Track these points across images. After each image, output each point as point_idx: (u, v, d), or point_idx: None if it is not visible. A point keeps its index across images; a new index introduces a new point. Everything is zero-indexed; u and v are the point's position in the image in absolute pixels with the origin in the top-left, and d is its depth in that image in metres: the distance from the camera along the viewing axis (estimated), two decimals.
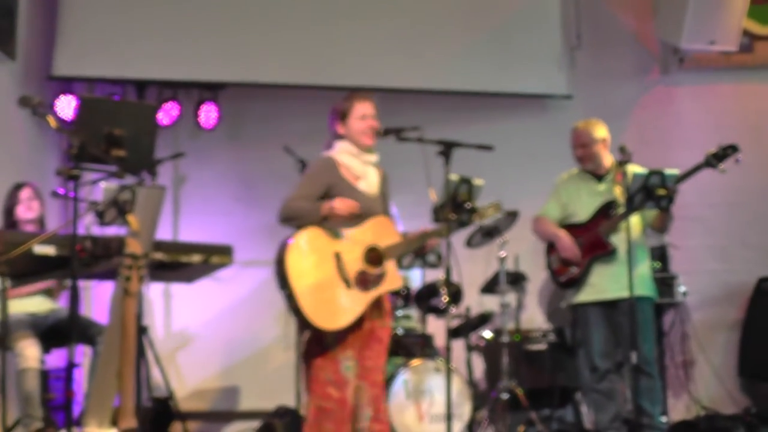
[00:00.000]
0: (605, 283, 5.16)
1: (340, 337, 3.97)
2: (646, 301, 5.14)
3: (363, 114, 4.11)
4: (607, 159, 5.31)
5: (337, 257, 3.93)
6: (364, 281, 3.96)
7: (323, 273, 3.90)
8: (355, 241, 3.97)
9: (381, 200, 4.24)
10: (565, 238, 5.24)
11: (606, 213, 5.21)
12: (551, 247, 5.39)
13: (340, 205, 3.94)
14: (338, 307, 3.89)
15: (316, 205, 3.96)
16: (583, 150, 5.29)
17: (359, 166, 4.13)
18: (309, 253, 3.91)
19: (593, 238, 5.21)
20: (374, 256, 3.96)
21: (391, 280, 4.07)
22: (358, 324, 4.00)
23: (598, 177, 5.34)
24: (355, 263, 3.94)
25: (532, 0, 6.75)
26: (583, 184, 5.39)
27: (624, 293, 4.84)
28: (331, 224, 3.96)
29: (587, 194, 5.34)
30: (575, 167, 5.46)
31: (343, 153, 4.12)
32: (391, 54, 6.50)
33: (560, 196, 5.44)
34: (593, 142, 5.27)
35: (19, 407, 4.88)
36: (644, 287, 5.13)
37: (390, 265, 4.05)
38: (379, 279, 4.00)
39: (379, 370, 4.14)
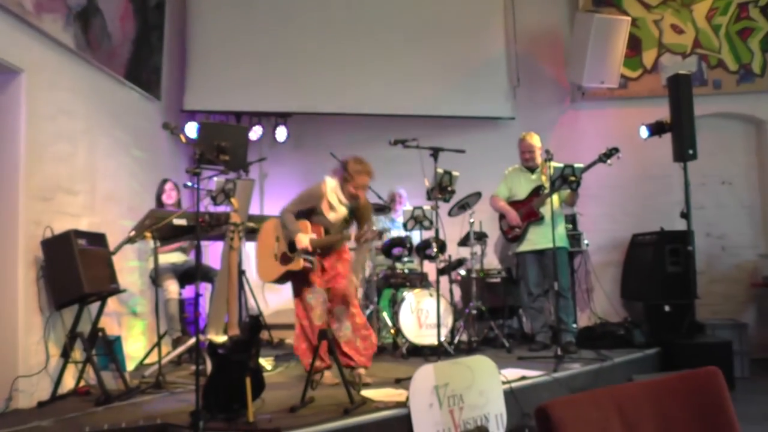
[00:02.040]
0: (537, 239, 5.11)
1: (306, 280, 3.97)
2: (563, 250, 5.08)
3: (358, 185, 3.97)
4: (539, 158, 5.22)
5: (277, 240, 4.03)
6: (284, 259, 3.97)
7: (268, 248, 4.07)
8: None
9: (341, 224, 4.08)
10: (511, 213, 5.19)
11: (537, 193, 5.15)
12: (502, 216, 5.32)
13: (304, 244, 3.85)
14: (269, 269, 4.03)
15: (297, 229, 3.88)
16: (529, 153, 5.26)
17: (336, 204, 4.03)
18: (267, 236, 4.10)
19: (529, 209, 5.15)
20: (293, 247, 3.95)
21: (295, 264, 3.93)
22: (324, 270, 4.05)
23: (532, 170, 5.27)
24: (283, 247, 4.00)
25: (489, 58, 6.65)
26: (522, 174, 5.32)
27: (549, 245, 4.79)
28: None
29: (525, 181, 5.27)
30: (516, 164, 5.39)
31: (331, 192, 4.02)
32: (401, 92, 6.44)
33: (507, 182, 5.36)
34: (535, 148, 5.24)
35: (166, 323, 4.89)
36: (562, 241, 5.07)
37: (297, 256, 3.92)
38: (290, 260, 3.96)
39: (350, 295, 4.02)
